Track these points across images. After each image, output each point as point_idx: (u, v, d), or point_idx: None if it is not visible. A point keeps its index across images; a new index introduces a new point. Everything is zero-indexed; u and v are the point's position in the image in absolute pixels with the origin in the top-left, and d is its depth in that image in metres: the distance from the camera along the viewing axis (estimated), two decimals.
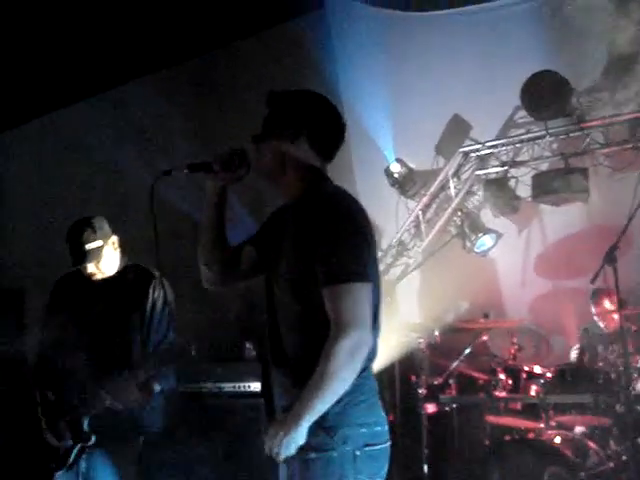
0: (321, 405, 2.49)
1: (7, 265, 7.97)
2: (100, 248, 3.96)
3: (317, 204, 2.61)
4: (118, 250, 4.09)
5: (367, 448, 2.57)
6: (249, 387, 5.50)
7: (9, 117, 7.59)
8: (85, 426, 3.86)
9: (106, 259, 4.02)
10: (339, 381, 2.48)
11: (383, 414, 2.69)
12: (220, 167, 2.75)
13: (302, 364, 2.57)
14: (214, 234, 2.85)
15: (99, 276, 4.06)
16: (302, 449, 2.52)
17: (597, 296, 5.42)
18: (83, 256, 3.93)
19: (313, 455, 2.53)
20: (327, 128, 2.76)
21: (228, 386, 5.61)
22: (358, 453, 2.55)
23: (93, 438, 3.86)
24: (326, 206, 2.60)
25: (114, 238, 4.06)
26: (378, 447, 2.62)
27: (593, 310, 5.49)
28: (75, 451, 3.90)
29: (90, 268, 4.00)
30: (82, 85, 6.99)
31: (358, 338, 2.47)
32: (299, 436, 2.49)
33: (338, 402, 2.52)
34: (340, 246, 2.51)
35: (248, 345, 5.91)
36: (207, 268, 2.89)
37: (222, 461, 5.14)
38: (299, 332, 2.63)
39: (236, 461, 5.18)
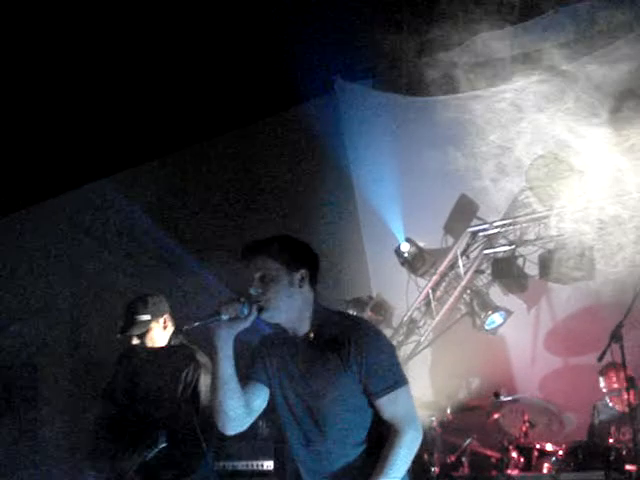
0: None
1: (21, 341, 8.05)
2: (147, 322, 4.13)
3: (342, 327, 2.92)
4: (169, 328, 4.23)
5: None
6: (262, 465, 5.50)
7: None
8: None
9: (153, 334, 4.18)
10: (401, 470, 2.82)
11: None
12: (229, 316, 2.81)
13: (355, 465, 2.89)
14: (232, 384, 2.88)
15: (143, 351, 4.20)
16: None
17: (605, 371, 5.48)
18: (129, 325, 4.12)
19: None
20: (317, 264, 3.04)
21: (241, 464, 5.59)
22: None
23: None
24: (354, 327, 2.92)
25: (166, 317, 4.21)
26: None
27: (602, 384, 5.53)
28: None
29: (134, 340, 4.16)
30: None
31: (417, 430, 2.87)
32: None
33: None
34: (387, 357, 2.90)
35: (261, 423, 5.93)
36: (228, 416, 2.92)
37: None
38: (354, 443, 2.90)
39: None
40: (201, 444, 3.95)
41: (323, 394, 2.88)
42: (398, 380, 2.87)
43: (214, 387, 2.88)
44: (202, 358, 4.12)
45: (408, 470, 2.89)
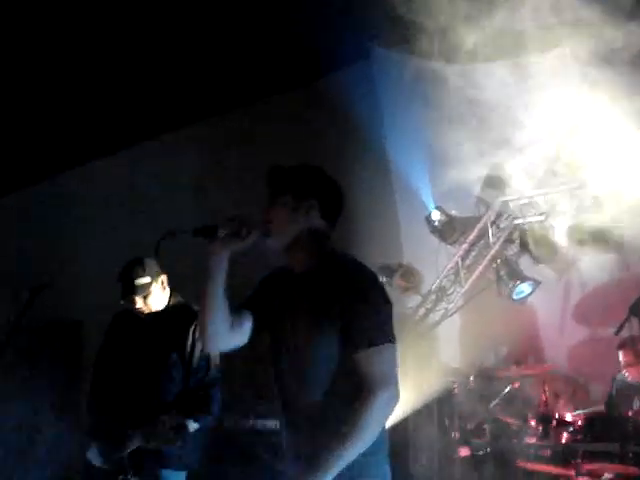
0: (351, 455, 2.62)
1: (66, 297, 8.23)
2: (148, 284, 4.21)
3: (341, 271, 2.78)
4: (167, 289, 4.33)
5: None
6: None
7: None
8: (125, 459, 4.04)
9: (154, 296, 4.26)
10: (371, 433, 2.65)
11: (389, 468, 2.84)
12: (227, 233, 2.75)
13: (325, 418, 2.73)
14: (219, 300, 2.82)
15: (147, 312, 4.28)
16: None
17: (624, 345, 5.49)
18: (131, 289, 4.19)
19: None
20: (334, 199, 2.92)
21: (270, 423, 5.56)
22: None
23: (130, 473, 4.02)
24: (351, 273, 2.78)
25: (163, 277, 4.29)
26: None
27: (620, 359, 5.55)
28: None
29: (138, 303, 4.23)
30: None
31: (391, 394, 2.66)
32: None
33: (362, 453, 2.66)
34: (371, 311, 2.70)
35: None
36: (212, 335, 2.90)
37: None
38: (324, 391, 2.75)
39: None
40: (210, 402, 4.07)
41: (304, 335, 2.77)
42: (383, 336, 2.68)
43: (201, 302, 2.85)
44: None
45: (384, 429, 2.77)
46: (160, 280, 4.28)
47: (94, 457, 4.18)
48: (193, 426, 4.08)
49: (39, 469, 6.25)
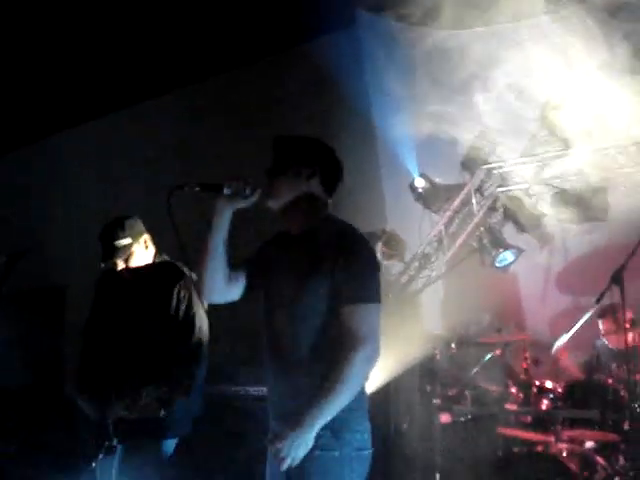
0: (334, 409, 2.78)
1: (50, 263, 8.21)
2: (129, 245, 4.05)
3: (336, 233, 2.96)
4: (151, 249, 4.16)
5: (360, 452, 2.90)
6: None
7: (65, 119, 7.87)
8: (110, 426, 3.93)
9: (136, 257, 4.09)
10: (353, 388, 2.82)
11: (369, 425, 2.96)
12: (231, 191, 2.97)
13: (310, 372, 2.86)
14: (219, 253, 3.02)
15: (129, 273, 4.12)
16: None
17: (604, 313, 5.52)
18: (111, 252, 4.04)
19: (317, 453, 2.79)
20: (334, 169, 3.13)
21: (254, 389, 5.58)
22: (353, 455, 2.86)
23: (115, 440, 3.93)
24: (345, 235, 2.98)
25: (145, 237, 4.13)
26: (366, 452, 2.94)
27: (600, 327, 5.58)
28: (103, 448, 3.97)
29: (120, 265, 4.08)
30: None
31: (373, 350, 2.83)
32: (310, 438, 2.76)
33: (344, 408, 2.81)
34: (361, 270, 2.89)
35: None
36: (209, 285, 3.08)
37: (248, 465, 5.07)
38: (310, 345, 2.89)
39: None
40: (193, 364, 3.92)
41: (296, 291, 2.91)
42: (370, 295, 2.87)
43: (200, 253, 3.04)
44: (191, 273, 4.00)
45: (363, 387, 2.90)
46: (142, 240, 4.11)
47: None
48: (180, 398, 3.91)
49: None
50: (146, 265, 4.16)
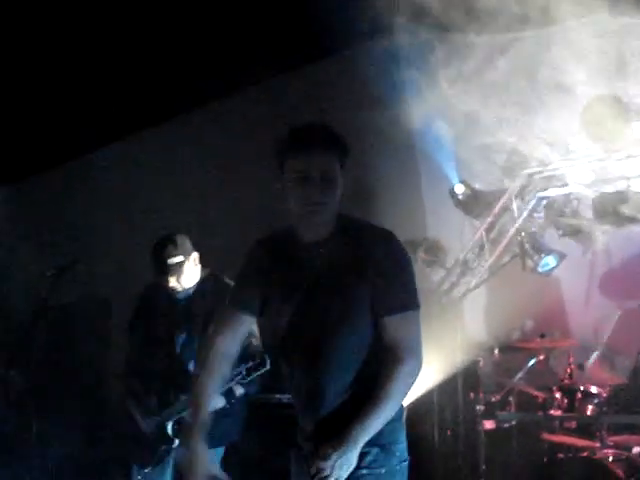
0: (378, 425, 2.59)
1: (95, 275, 8.35)
2: (181, 263, 4.13)
3: (366, 236, 2.69)
4: (199, 266, 4.28)
5: (402, 464, 2.76)
6: None
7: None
8: (169, 429, 4.08)
9: (187, 274, 4.19)
10: (397, 403, 2.65)
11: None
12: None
13: (351, 387, 2.68)
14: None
15: (180, 290, 4.24)
16: None
17: None
18: (165, 270, 4.12)
19: (363, 472, 2.63)
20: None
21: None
22: (397, 468, 2.72)
23: (176, 441, 4.04)
24: (377, 236, 2.70)
25: (195, 255, 4.23)
26: (406, 462, 2.79)
27: None
28: (160, 452, 4.13)
29: (172, 282, 4.17)
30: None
31: (419, 362, 2.66)
32: (354, 457, 2.55)
33: (390, 420, 2.67)
34: (403, 276, 2.65)
35: None
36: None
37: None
38: (351, 361, 2.68)
39: None
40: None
41: (333, 308, 2.63)
42: (410, 303, 2.64)
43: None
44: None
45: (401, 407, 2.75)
46: (192, 258, 4.21)
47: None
48: (239, 391, 4.03)
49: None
50: (195, 282, 4.27)
